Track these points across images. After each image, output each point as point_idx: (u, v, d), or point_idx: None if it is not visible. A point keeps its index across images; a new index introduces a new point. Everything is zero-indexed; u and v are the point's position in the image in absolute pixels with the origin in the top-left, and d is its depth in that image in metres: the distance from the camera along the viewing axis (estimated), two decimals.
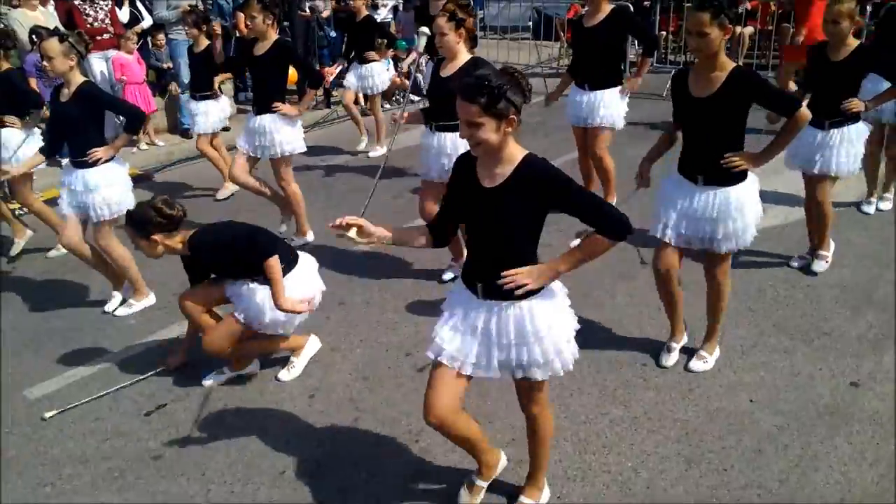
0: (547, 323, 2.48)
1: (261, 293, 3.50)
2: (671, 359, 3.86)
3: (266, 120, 5.14)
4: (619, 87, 5.32)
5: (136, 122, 4.47)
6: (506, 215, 2.39)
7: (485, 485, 2.92)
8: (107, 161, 4.32)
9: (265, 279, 3.42)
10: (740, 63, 10.09)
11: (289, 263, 3.55)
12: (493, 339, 2.51)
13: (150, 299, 4.67)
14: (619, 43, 5.58)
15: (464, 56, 4.19)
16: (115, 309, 4.63)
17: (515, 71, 2.34)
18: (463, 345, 2.55)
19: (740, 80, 3.24)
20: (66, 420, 3.57)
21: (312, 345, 3.96)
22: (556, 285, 2.58)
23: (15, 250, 5.57)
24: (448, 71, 4.21)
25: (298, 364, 3.87)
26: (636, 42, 11.07)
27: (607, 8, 5.15)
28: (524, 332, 2.47)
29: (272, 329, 3.63)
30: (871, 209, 5.69)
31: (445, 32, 4.09)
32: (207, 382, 3.79)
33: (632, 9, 8.72)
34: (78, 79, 4.23)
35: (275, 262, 3.38)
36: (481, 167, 2.44)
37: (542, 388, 2.67)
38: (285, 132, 5.18)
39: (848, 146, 4.47)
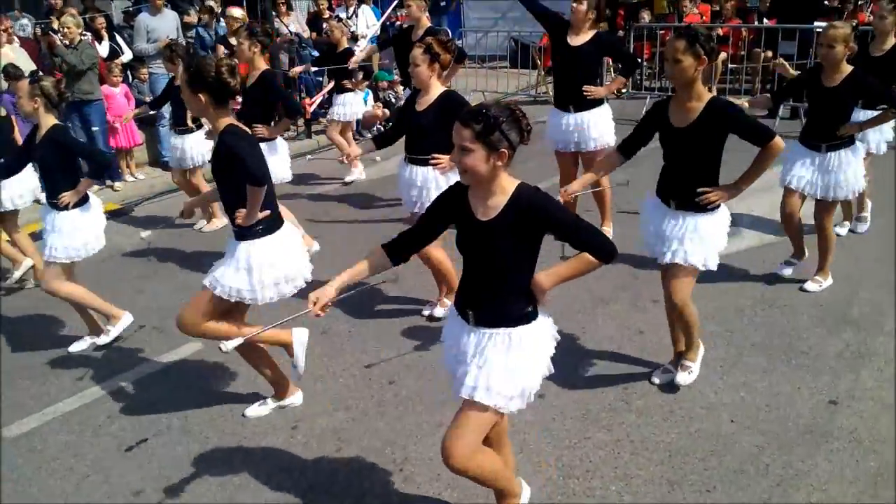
0: (532, 355, 2.49)
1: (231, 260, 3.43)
2: (661, 379, 3.88)
3: None
4: (603, 107, 5.40)
5: (100, 169, 4.41)
6: (501, 248, 2.41)
7: None
8: (78, 205, 4.30)
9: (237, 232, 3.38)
10: (714, 88, 10.34)
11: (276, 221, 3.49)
12: (479, 362, 2.50)
13: (126, 318, 4.57)
14: (600, 65, 5.65)
15: (437, 90, 4.24)
16: (87, 346, 4.57)
17: (518, 109, 2.36)
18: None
19: (715, 111, 3.32)
20: (45, 457, 3.53)
21: (296, 397, 3.84)
22: (547, 322, 2.58)
23: (15, 276, 5.51)
24: (422, 105, 4.25)
25: (271, 404, 3.81)
26: (612, 70, 11.31)
27: (590, 32, 5.23)
28: (508, 359, 2.47)
29: (236, 294, 3.41)
30: (843, 231, 5.79)
31: (418, 64, 4.15)
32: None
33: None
34: (48, 122, 4.23)
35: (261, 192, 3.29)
36: (473, 199, 2.46)
37: (473, 426, 2.50)
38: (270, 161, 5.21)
39: (847, 169, 4.60)
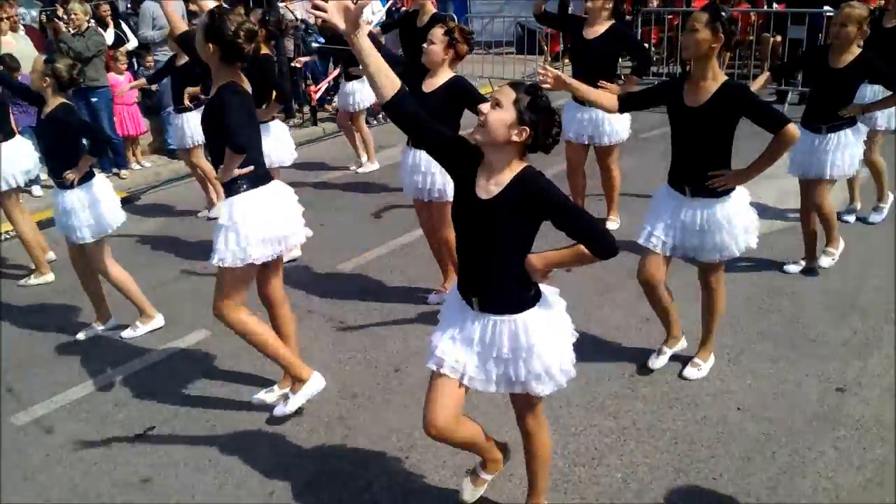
0: (541, 336, 2.48)
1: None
2: (659, 362, 3.89)
3: None
4: None
5: (101, 145, 4.42)
6: (499, 228, 2.40)
7: (489, 478, 2.91)
8: (85, 181, 4.32)
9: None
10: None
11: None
12: (490, 353, 2.50)
13: (157, 321, 4.60)
14: (615, 58, 5.58)
15: (446, 74, 4.19)
16: (92, 333, 4.60)
17: (559, 118, 2.41)
18: (462, 356, 2.54)
19: (729, 93, 3.28)
20: (53, 445, 3.55)
21: (315, 383, 3.65)
22: (553, 297, 2.59)
23: (29, 283, 5.47)
24: (429, 87, 4.19)
25: (277, 391, 3.78)
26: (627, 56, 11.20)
27: (607, 23, 5.17)
28: (518, 347, 2.47)
29: (231, 259, 3.31)
30: (851, 219, 5.74)
31: (435, 42, 4.07)
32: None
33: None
34: (55, 101, 4.29)
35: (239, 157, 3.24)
36: (480, 176, 2.45)
37: (537, 403, 2.69)
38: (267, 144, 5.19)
39: (844, 150, 4.56)
